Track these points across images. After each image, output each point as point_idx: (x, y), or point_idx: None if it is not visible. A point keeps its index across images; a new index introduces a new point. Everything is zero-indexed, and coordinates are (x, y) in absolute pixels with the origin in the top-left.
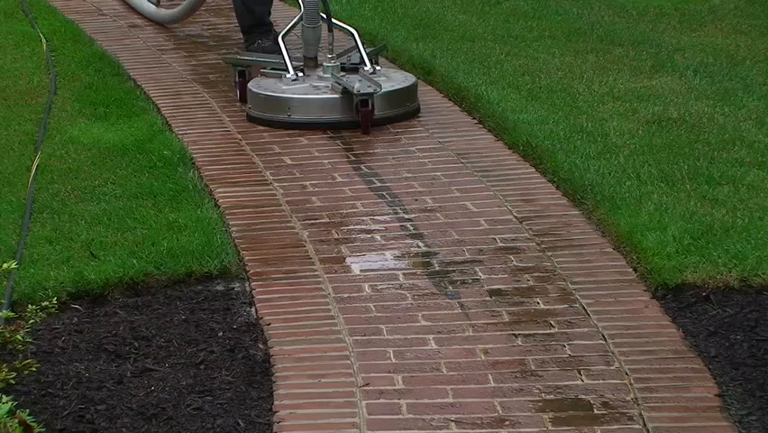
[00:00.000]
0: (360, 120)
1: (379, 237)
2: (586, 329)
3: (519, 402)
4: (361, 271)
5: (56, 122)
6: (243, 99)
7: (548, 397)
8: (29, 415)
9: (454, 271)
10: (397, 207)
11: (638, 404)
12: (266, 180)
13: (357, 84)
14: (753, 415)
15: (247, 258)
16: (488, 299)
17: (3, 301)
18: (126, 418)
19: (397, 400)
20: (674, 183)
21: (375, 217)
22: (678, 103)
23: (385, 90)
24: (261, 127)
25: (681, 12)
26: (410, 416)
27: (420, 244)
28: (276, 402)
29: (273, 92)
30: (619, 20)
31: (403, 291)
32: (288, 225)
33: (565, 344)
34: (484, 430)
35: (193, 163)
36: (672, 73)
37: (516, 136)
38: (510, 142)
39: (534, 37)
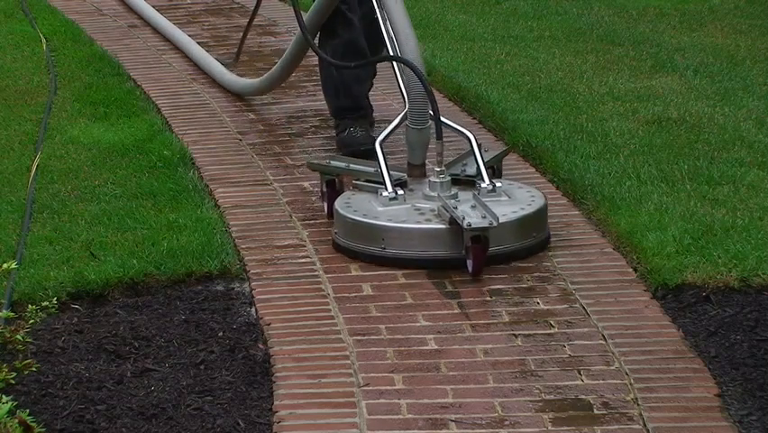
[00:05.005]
0: (470, 259)
1: None
2: (586, 329)
3: (519, 402)
4: (361, 270)
5: (56, 122)
6: (333, 215)
7: (548, 397)
8: (29, 415)
9: (454, 271)
10: None
11: (638, 404)
12: (266, 180)
13: (469, 213)
14: (753, 415)
15: (247, 258)
16: (488, 299)
17: (3, 301)
18: (126, 418)
19: (397, 400)
20: (674, 183)
21: None
22: (678, 103)
23: (505, 220)
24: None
25: (681, 12)
26: (410, 416)
27: None
28: (276, 402)
29: (364, 216)
30: (619, 20)
31: (403, 291)
32: (288, 225)
33: (565, 344)
34: (484, 430)
35: (193, 163)
36: (672, 73)
37: (516, 136)
38: (510, 142)
39: (534, 37)
